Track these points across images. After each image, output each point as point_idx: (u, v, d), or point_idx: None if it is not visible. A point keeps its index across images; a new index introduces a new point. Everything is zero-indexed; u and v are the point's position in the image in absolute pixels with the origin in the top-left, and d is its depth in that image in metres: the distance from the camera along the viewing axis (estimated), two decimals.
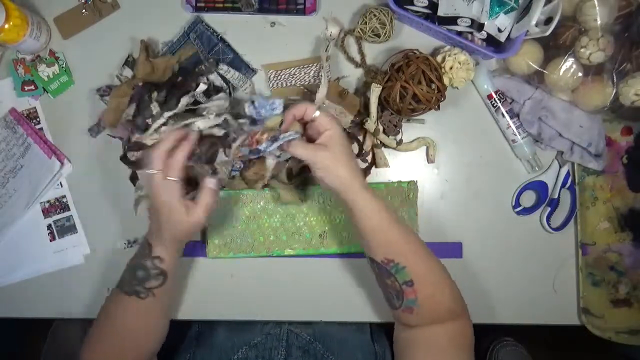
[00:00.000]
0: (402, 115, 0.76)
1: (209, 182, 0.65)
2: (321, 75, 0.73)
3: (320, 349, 0.74)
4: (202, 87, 0.73)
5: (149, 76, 0.75)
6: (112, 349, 0.68)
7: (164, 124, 0.69)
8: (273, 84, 0.79)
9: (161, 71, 0.76)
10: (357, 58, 0.80)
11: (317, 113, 0.64)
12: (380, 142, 0.78)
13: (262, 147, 0.67)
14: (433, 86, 0.73)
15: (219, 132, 0.68)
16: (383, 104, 0.76)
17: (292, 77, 0.79)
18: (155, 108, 0.70)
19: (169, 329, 0.72)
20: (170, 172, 0.63)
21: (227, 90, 0.77)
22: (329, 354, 0.73)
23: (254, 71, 0.80)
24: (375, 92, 0.74)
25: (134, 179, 0.77)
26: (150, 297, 0.66)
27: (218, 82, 0.77)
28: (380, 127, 0.76)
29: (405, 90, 0.72)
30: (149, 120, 0.70)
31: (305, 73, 0.79)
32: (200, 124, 0.68)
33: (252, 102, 0.67)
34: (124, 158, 0.72)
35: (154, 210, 0.65)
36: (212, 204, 0.65)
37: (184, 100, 0.70)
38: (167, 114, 0.68)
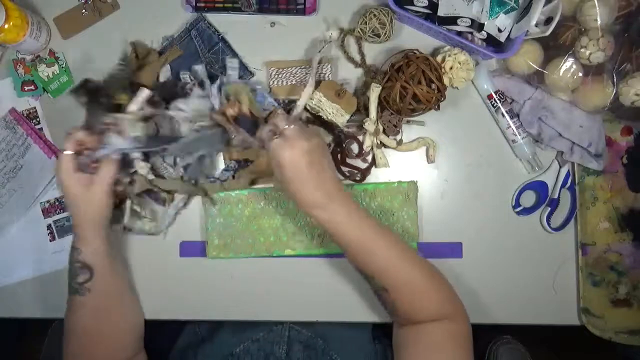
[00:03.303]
0: (402, 115, 0.76)
1: (103, 152, 0.65)
2: (314, 75, 0.74)
3: (322, 345, 0.74)
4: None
5: (138, 77, 0.76)
6: (80, 351, 0.68)
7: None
8: (274, 82, 0.79)
9: (149, 73, 0.76)
10: (357, 58, 0.80)
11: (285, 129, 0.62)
12: (380, 142, 0.78)
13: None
14: (433, 86, 0.73)
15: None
16: (383, 104, 0.76)
17: (294, 77, 0.79)
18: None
19: (167, 329, 0.72)
20: (65, 146, 0.64)
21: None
22: (330, 350, 0.73)
23: (251, 74, 0.80)
24: (374, 92, 0.74)
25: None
26: (87, 293, 0.65)
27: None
28: (380, 127, 0.76)
29: (405, 90, 0.72)
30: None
31: (307, 73, 0.79)
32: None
33: (254, 90, 0.69)
34: None
35: (64, 198, 0.66)
36: (112, 177, 0.65)
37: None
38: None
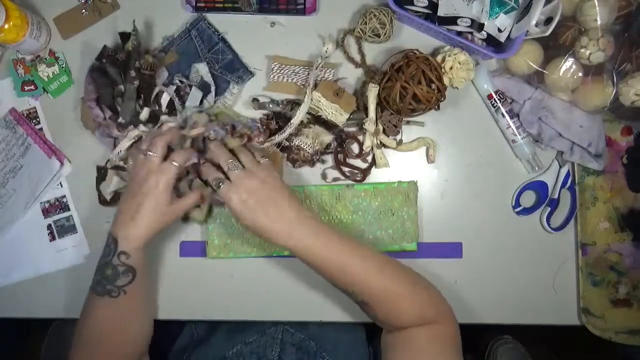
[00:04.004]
0: (402, 115, 0.76)
1: (205, 191, 0.70)
2: (310, 92, 0.74)
3: (314, 347, 0.74)
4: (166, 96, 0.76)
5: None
6: (95, 352, 0.67)
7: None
8: (275, 76, 0.79)
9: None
10: (357, 58, 0.80)
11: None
12: (380, 142, 0.78)
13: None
14: (433, 86, 0.73)
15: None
16: (383, 104, 0.76)
17: (295, 75, 0.79)
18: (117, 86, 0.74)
19: (167, 329, 0.72)
20: (176, 158, 0.66)
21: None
22: (322, 351, 0.74)
23: (251, 74, 0.80)
24: (372, 92, 0.74)
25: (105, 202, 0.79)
26: (122, 295, 0.66)
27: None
28: (380, 127, 0.76)
29: (405, 90, 0.72)
30: (119, 99, 0.74)
31: (309, 75, 0.79)
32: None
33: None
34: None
35: (136, 195, 0.65)
36: (193, 206, 0.70)
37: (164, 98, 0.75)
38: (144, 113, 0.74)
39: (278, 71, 0.79)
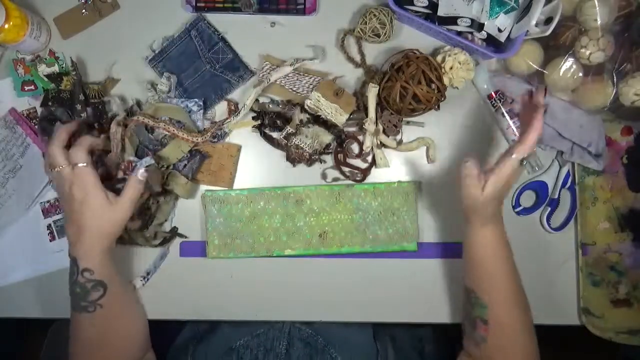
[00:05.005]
0: (402, 115, 0.76)
1: (139, 174, 0.66)
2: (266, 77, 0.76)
3: (322, 342, 0.74)
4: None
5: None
6: None
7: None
8: (264, 76, 0.78)
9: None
10: (357, 58, 0.79)
11: None
12: (380, 142, 0.78)
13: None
14: (433, 86, 0.73)
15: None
16: (383, 104, 0.76)
17: (285, 78, 0.79)
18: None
19: (169, 328, 0.72)
20: (77, 159, 0.62)
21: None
22: (330, 347, 0.73)
23: (252, 72, 0.80)
24: (372, 92, 0.74)
25: None
26: (99, 309, 0.65)
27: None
28: (380, 127, 0.76)
29: (406, 90, 0.72)
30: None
31: (298, 79, 0.79)
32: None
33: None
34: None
35: (73, 212, 0.63)
36: (138, 196, 0.66)
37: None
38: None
39: (268, 71, 0.79)
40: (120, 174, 0.72)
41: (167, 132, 0.75)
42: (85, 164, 0.63)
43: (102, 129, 0.76)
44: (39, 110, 0.80)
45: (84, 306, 0.65)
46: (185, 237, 0.79)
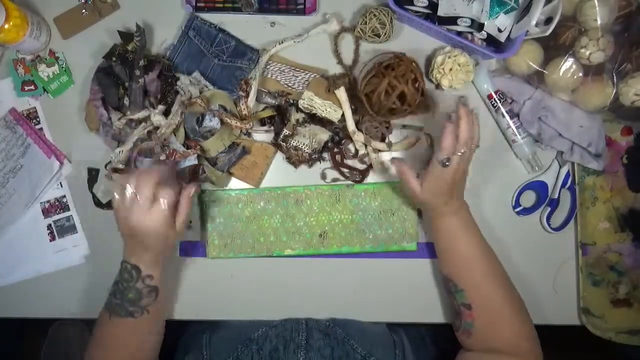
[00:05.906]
0: (380, 116, 0.75)
1: (189, 190, 0.67)
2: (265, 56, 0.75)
3: (341, 334, 0.74)
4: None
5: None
6: None
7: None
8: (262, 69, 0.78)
9: None
10: (351, 57, 0.79)
11: None
12: (374, 148, 0.77)
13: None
14: (418, 89, 0.72)
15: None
16: (363, 100, 0.74)
17: (281, 73, 0.79)
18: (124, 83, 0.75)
19: (169, 327, 0.72)
20: (167, 196, 0.63)
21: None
22: (350, 339, 0.73)
23: (258, 52, 0.79)
24: (341, 95, 0.74)
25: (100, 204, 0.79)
26: (145, 314, 0.66)
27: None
28: (369, 137, 0.76)
29: (392, 88, 0.72)
30: (125, 100, 0.74)
31: (294, 75, 0.79)
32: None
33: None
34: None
35: (138, 236, 0.64)
36: (189, 211, 0.68)
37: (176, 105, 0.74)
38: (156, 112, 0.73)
39: (265, 65, 0.79)
40: (162, 156, 0.73)
41: (221, 119, 0.75)
42: (167, 209, 0.63)
43: (166, 101, 0.76)
44: (39, 110, 0.80)
45: (132, 311, 0.66)
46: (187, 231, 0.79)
